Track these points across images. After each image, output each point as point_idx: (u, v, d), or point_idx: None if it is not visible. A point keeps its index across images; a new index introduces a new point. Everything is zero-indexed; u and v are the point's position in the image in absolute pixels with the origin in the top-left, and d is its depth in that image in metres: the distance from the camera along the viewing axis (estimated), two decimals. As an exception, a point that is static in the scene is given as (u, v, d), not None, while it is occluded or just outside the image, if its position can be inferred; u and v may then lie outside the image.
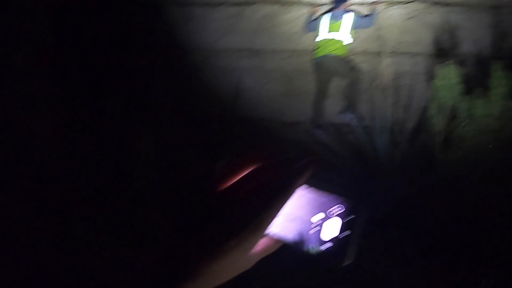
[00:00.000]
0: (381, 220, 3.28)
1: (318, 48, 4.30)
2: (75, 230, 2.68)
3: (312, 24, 4.31)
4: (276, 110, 4.65)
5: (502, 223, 2.74)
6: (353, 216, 0.47)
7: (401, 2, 4.27)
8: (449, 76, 3.03)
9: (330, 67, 4.30)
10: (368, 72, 4.40)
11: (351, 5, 4.31)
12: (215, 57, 4.72)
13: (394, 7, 4.28)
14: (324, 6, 4.39)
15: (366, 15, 4.24)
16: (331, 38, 4.22)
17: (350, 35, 4.23)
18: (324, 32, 4.23)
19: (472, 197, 2.82)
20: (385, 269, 3.00)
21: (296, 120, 4.62)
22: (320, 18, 4.25)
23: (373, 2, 4.27)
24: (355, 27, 4.20)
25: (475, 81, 3.95)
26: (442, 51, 4.17)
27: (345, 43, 4.26)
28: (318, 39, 4.29)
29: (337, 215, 0.47)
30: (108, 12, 4.57)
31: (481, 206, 2.77)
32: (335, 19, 4.18)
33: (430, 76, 4.12)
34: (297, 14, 4.51)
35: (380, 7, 4.23)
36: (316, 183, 0.49)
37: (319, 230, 0.47)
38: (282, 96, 4.64)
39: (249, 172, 0.48)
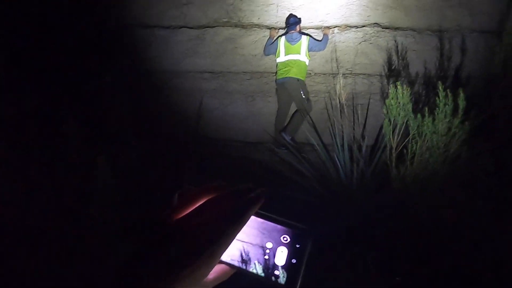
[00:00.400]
0: (343, 236, 3.36)
1: (279, 70, 4.43)
2: (26, 255, 2.57)
3: (271, 47, 4.44)
4: (239, 131, 4.71)
5: (453, 235, 2.88)
6: (299, 246, 0.50)
7: (355, 27, 4.49)
8: (400, 95, 3.19)
9: (291, 88, 4.44)
10: (326, 92, 4.57)
11: (306, 29, 4.50)
12: (178, 78, 4.74)
13: (349, 31, 4.50)
14: (282, 30, 4.54)
15: (319, 40, 4.42)
16: (290, 59, 4.37)
17: (307, 57, 4.41)
18: (283, 54, 4.38)
19: (424, 211, 2.96)
20: (348, 285, 3.06)
21: (259, 140, 4.69)
22: (279, 41, 4.38)
23: (324, 27, 4.47)
24: (310, 49, 4.38)
25: (424, 100, 4.20)
26: (394, 72, 4.41)
27: (304, 65, 4.43)
28: (278, 61, 4.43)
29: (284, 244, 0.51)
30: (70, 32, 4.51)
31: (433, 219, 2.91)
32: (293, 41, 4.34)
33: (384, 96, 4.34)
34: (258, 37, 4.64)
35: (327, 31, 4.42)
36: (266, 214, 0.53)
37: (269, 259, 0.50)
38: (245, 116, 4.71)
39: (204, 202, 0.50)
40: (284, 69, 4.39)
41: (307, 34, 4.42)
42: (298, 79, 4.42)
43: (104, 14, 4.64)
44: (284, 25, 4.52)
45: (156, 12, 4.65)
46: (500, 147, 2.98)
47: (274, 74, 4.63)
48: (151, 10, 4.64)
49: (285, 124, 4.59)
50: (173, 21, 4.68)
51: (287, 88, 4.43)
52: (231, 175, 4.18)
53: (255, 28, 4.65)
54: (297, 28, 4.36)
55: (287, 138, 4.51)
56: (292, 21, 4.35)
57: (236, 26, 4.67)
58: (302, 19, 4.49)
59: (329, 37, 4.43)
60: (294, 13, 4.48)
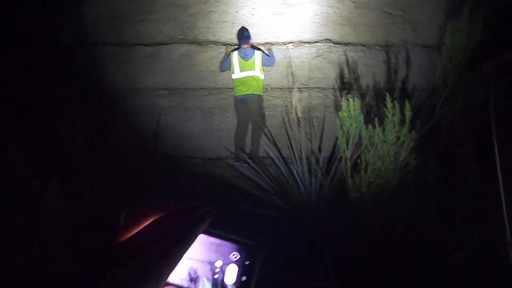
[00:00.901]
0: (304, 249, 3.40)
1: (237, 86, 4.47)
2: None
3: (226, 63, 4.48)
4: (197, 147, 4.68)
5: (407, 239, 3.00)
6: (249, 262, 0.50)
7: (308, 42, 4.65)
8: (352, 108, 3.31)
9: (253, 104, 4.50)
10: (283, 106, 4.66)
11: (258, 44, 4.60)
12: (134, 96, 4.66)
13: (302, 47, 4.64)
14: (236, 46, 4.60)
15: (268, 55, 4.52)
16: (247, 76, 4.43)
17: (262, 72, 4.49)
18: (238, 70, 4.44)
19: (379, 219, 3.06)
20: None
21: (218, 155, 4.68)
22: (232, 57, 4.43)
23: (266, 43, 4.59)
24: (263, 65, 4.47)
25: (374, 111, 4.39)
26: (346, 85, 4.59)
27: (261, 80, 4.51)
28: (234, 77, 4.48)
29: (234, 262, 0.51)
30: (22, 51, 4.33)
31: (388, 225, 3.02)
32: (247, 57, 4.41)
33: (338, 108, 4.49)
34: (214, 53, 4.67)
35: (269, 46, 4.55)
36: (215, 231, 0.52)
37: (219, 277, 0.50)
38: (203, 132, 4.69)
39: (150, 222, 0.49)
40: (242, 86, 4.44)
41: (258, 49, 4.52)
42: (259, 95, 4.51)
43: (54, 32, 4.50)
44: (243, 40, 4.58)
45: (109, 30, 4.58)
46: (443, 153, 3.16)
47: (232, 90, 4.67)
48: (104, 27, 4.56)
49: (244, 140, 4.63)
50: (127, 38, 4.62)
51: (249, 104, 4.49)
52: (189, 192, 4.14)
53: (211, 45, 4.69)
54: (249, 43, 4.45)
55: (256, 160, 4.57)
56: (244, 35, 4.43)
57: (192, 43, 4.69)
58: (257, 36, 4.59)
59: (274, 51, 4.55)
60: (249, 30, 4.57)
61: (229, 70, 4.51)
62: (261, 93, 4.53)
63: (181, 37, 4.66)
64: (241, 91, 4.45)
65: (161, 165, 4.48)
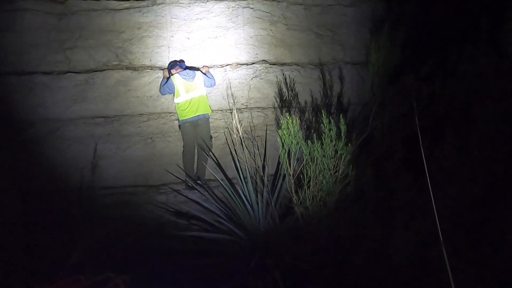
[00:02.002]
0: (254, 268, 3.38)
1: (183, 109, 4.39)
2: None
3: (166, 86, 4.40)
4: (139, 175, 4.51)
5: (352, 248, 3.10)
6: None
7: (245, 64, 4.75)
8: (291, 125, 3.40)
9: (203, 125, 4.46)
10: (225, 128, 4.68)
11: (197, 67, 4.63)
12: (66, 127, 4.41)
13: (240, 68, 4.73)
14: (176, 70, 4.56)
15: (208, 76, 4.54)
16: (194, 97, 4.38)
17: (205, 94, 4.49)
18: (184, 92, 4.37)
19: (324, 231, 3.15)
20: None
21: (162, 181, 4.55)
22: (173, 80, 4.37)
23: (204, 66, 4.64)
24: (204, 85, 4.48)
25: (312, 127, 4.57)
26: (284, 103, 4.73)
27: (207, 99, 4.50)
28: (179, 100, 4.40)
29: None
30: None
31: (333, 237, 3.11)
32: (190, 78, 4.36)
33: (278, 126, 4.60)
34: (151, 78, 4.59)
35: (206, 69, 4.60)
36: None
37: None
38: (145, 159, 4.55)
39: None
40: (190, 108, 4.36)
41: (197, 69, 4.53)
42: (208, 115, 4.49)
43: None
44: (184, 61, 4.57)
45: (34, 58, 4.33)
46: (377, 162, 3.35)
47: (172, 113, 4.60)
48: (28, 55, 4.32)
49: (193, 164, 4.56)
50: (56, 66, 4.40)
51: (200, 125, 4.44)
52: (132, 224, 3.97)
53: (148, 70, 4.62)
54: (180, 67, 4.44)
55: (203, 182, 4.51)
56: (174, 63, 4.45)
57: (127, 68, 4.58)
58: (194, 60, 4.62)
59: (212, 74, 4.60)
60: (186, 54, 4.58)
61: (171, 93, 4.43)
62: (210, 112, 4.52)
63: (115, 63, 4.54)
64: (189, 113, 4.37)
65: (99, 199, 4.25)
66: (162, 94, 4.51)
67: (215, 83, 4.54)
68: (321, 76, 4.84)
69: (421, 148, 2.98)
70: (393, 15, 4.72)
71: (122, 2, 4.51)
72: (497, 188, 2.81)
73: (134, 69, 4.59)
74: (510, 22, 2.94)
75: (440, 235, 2.38)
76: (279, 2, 4.77)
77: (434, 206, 2.58)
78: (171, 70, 4.41)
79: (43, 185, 4.16)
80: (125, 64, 4.57)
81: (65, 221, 3.78)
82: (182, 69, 4.41)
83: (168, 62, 4.53)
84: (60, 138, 4.34)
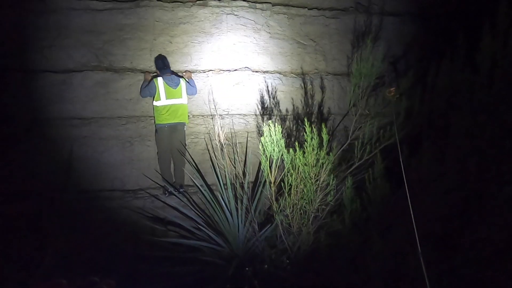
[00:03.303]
0: (231, 275, 3.34)
1: (161, 114, 4.33)
2: None
3: (148, 89, 4.33)
4: (116, 178, 4.41)
5: (331, 258, 3.13)
6: None
7: (228, 70, 4.75)
8: (273, 133, 3.41)
9: (179, 132, 4.41)
10: (206, 133, 4.65)
11: (180, 72, 4.58)
12: (42, 127, 4.26)
13: (222, 74, 4.72)
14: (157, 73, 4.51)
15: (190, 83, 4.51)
16: (174, 104, 4.33)
17: (186, 103, 4.46)
18: (164, 97, 4.31)
19: (303, 239, 3.16)
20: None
21: (139, 186, 4.46)
22: (156, 83, 4.31)
23: (186, 71, 4.60)
24: (187, 93, 4.44)
25: (294, 136, 4.60)
26: (266, 111, 4.75)
27: (187, 108, 4.46)
28: (158, 104, 4.33)
29: None
30: None
31: (312, 246, 3.12)
32: (174, 85, 4.32)
33: (260, 133, 4.62)
34: (132, 81, 4.51)
35: (189, 75, 4.57)
36: None
37: None
38: (122, 163, 4.45)
39: None
40: (168, 114, 4.31)
41: (181, 77, 4.50)
42: (184, 124, 4.45)
43: None
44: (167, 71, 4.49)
45: (10, 54, 4.19)
46: (356, 172, 3.40)
47: (152, 117, 4.53)
48: (4, 51, 4.16)
49: (170, 170, 4.50)
50: (33, 65, 4.26)
51: (175, 132, 4.39)
52: (108, 229, 3.86)
53: (129, 72, 4.53)
54: (171, 71, 4.40)
55: (181, 187, 4.45)
56: (165, 65, 4.37)
57: (107, 70, 4.49)
58: (176, 64, 4.57)
59: (194, 79, 4.57)
60: (168, 57, 4.52)
61: (151, 96, 4.37)
62: (187, 122, 4.49)
63: (94, 64, 4.45)
64: (167, 119, 4.32)
65: (74, 203, 4.11)
66: (143, 97, 4.43)
67: (196, 91, 4.52)
68: (303, 85, 4.90)
69: (400, 159, 3.05)
70: (374, 29, 4.85)
71: (104, 2, 4.42)
72: (472, 199, 2.91)
73: (115, 71, 4.50)
74: (484, 40, 3.06)
75: (418, 244, 2.43)
76: (263, 10, 4.81)
77: (412, 216, 2.64)
78: (161, 71, 4.36)
79: (15, 186, 4.00)
80: (105, 65, 4.48)
81: (37, 225, 3.63)
82: (169, 75, 4.36)
83: (156, 58, 4.46)
84: (34, 139, 4.19)
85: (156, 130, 4.44)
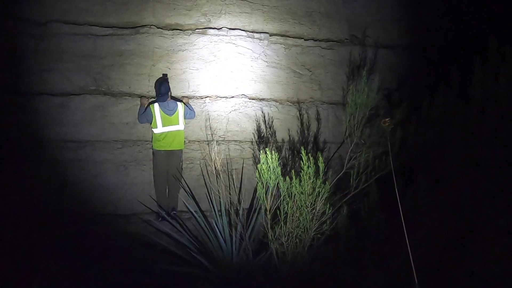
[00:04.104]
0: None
1: (158, 141, 4.32)
2: None
3: (145, 115, 4.33)
4: (108, 203, 4.36)
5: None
6: None
7: (224, 97, 4.81)
8: (270, 160, 3.42)
9: (174, 159, 4.41)
10: (201, 159, 4.65)
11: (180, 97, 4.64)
12: (37, 149, 4.24)
13: (219, 101, 4.78)
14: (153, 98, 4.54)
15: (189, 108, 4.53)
16: (170, 131, 4.33)
17: (184, 125, 4.47)
18: (160, 125, 4.32)
19: (298, 269, 3.12)
20: None
21: (132, 211, 4.41)
22: (152, 110, 4.32)
23: (183, 97, 4.64)
24: (185, 117, 4.46)
25: (291, 163, 4.62)
26: (262, 138, 4.79)
27: (183, 134, 4.46)
28: (155, 131, 4.34)
29: None
30: None
31: (307, 276, 3.08)
32: (170, 112, 4.32)
33: (256, 160, 4.63)
34: (129, 105, 4.54)
35: (187, 100, 4.60)
36: None
37: None
38: (116, 187, 4.41)
39: None
40: (164, 141, 4.30)
41: (180, 100, 4.51)
42: (181, 150, 4.45)
43: None
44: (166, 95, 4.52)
45: (8, 77, 4.21)
46: (352, 202, 3.41)
47: (148, 142, 4.54)
48: (2, 74, 4.19)
49: (165, 194, 4.47)
50: (30, 87, 4.28)
51: (172, 156, 4.39)
52: (98, 255, 3.77)
53: (126, 97, 4.57)
54: (169, 96, 4.42)
55: (175, 213, 4.41)
56: (164, 91, 4.31)
57: (105, 94, 4.52)
58: (174, 89, 4.61)
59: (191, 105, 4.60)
60: (167, 82, 4.58)
61: (149, 123, 4.37)
62: (183, 148, 4.49)
63: (93, 88, 4.48)
64: (163, 146, 4.32)
65: (65, 225, 4.04)
66: (140, 123, 4.44)
67: (195, 115, 4.55)
68: (298, 113, 4.97)
69: (395, 188, 3.07)
70: (368, 60, 4.99)
71: (105, 28, 4.51)
72: (467, 230, 2.92)
73: (112, 95, 4.53)
74: (476, 75, 3.17)
75: (414, 274, 2.42)
76: (261, 40, 4.93)
77: (408, 246, 2.64)
78: (158, 98, 4.33)
79: (7, 208, 3.92)
80: (103, 89, 4.51)
81: (28, 247, 3.55)
82: (169, 100, 4.38)
83: (159, 81, 4.42)
84: (30, 161, 4.15)
85: (153, 154, 4.43)
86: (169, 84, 4.45)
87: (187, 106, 4.48)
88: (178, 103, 4.43)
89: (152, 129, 4.36)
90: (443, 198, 3.06)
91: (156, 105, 4.32)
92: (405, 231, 2.72)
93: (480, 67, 3.14)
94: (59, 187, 4.16)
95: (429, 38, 5.26)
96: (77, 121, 4.39)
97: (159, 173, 4.41)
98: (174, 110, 4.36)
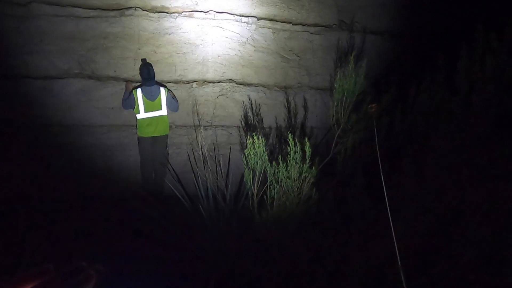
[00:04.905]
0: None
1: (142, 126, 4.27)
2: None
3: (128, 101, 4.26)
4: (94, 188, 4.32)
5: (311, 271, 3.13)
6: None
7: (212, 82, 4.76)
8: (257, 145, 3.43)
9: (159, 145, 4.37)
10: (188, 144, 4.62)
11: (165, 82, 4.57)
12: (20, 133, 4.15)
13: (206, 85, 4.73)
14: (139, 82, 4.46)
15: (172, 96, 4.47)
16: (153, 116, 4.28)
17: (166, 114, 4.41)
18: (143, 111, 4.26)
19: (285, 253, 3.16)
20: None
21: (118, 196, 4.37)
22: (135, 95, 4.25)
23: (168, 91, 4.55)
24: (167, 106, 4.40)
25: (277, 149, 4.63)
26: (250, 123, 4.78)
27: (167, 118, 4.42)
28: (139, 117, 4.28)
29: None
30: None
31: (294, 259, 3.12)
32: (152, 97, 4.27)
33: (243, 146, 4.62)
34: (115, 89, 4.47)
35: (172, 93, 4.53)
36: None
37: None
38: (102, 172, 4.37)
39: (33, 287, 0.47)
40: (148, 127, 4.27)
41: (164, 86, 4.45)
42: (166, 135, 4.41)
43: None
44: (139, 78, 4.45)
45: (-10, 60, 4.09)
46: (338, 186, 3.45)
47: (134, 127, 4.48)
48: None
49: (152, 179, 4.44)
50: (12, 70, 4.16)
51: (157, 142, 4.36)
52: (85, 240, 3.75)
53: (112, 81, 4.48)
54: (154, 82, 4.33)
55: (161, 196, 4.39)
56: (152, 74, 4.26)
57: (89, 78, 4.42)
58: (160, 73, 4.54)
59: (178, 89, 4.54)
60: (153, 67, 4.50)
61: (132, 108, 4.31)
62: (168, 133, 4.45)
63: (77, 71, 4.38)
64: (147, 132, 4.28)
65: (50, 213, 3.99)
66: (125, 109, 4.37)
67: (177, 108, 4.47)
68: (286, 99, 4.95)
69: (381, 174, 3.11)
70: (356, 46, 4.98)
71: (89, 10, 4.38)
72: (451, 215, 2.98)
73: (97, 79, 4.44)
74: (462, 61, 3.19)
75: (398, 258, 2.47)
76: (249, 24, 4.86)
77: (392, 230, 2.68)
78: (145, 82, 4.26)
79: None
80: (87, 73, 4.42)
81: (13, 234, 3.51)
82: (152, 84, 4.30)
83: (142, 66, 4.33)
84: (13, 144, 4.07)
85: (138, 140, 4.39)
86: (154, 70, 4.36)
87: (171, 96, 4.41)
88: (161, 88, 4.37)
89: (136, 115, 4.30)
90: (427, 184, 3.12)
91: (139, 90, 4.26)
92: (389, 215, 2.77)
93: (467, 54, 3.16)
94: (44, 171, 4.10)
95: (417, 24, 5.26)
96: (61, 105, 4.31)
97: (145, 159, 4.38)
98: (156, 95, 4.30)
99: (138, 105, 4.24)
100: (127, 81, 4.45)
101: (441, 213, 2.97)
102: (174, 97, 4.45)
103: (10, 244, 3.44)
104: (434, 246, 2.90)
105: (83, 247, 3.71)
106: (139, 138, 4.35)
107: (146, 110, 4.26)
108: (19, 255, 3.11)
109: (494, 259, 2.60)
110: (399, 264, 2.42)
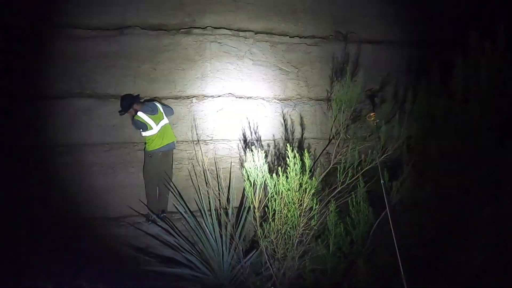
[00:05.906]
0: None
1: (153, 140, 4.30)
2: None
3: (140, 125, 4.27)
4: (98, 206, 4.33)
5: (316, 283, 3.11)
6: None
7: (211, 96, 4.79)
8: (257, 158, 3.43)
9: (170, 153, 4.42)
10: (189, 159, 4.64)
11: (165, 99, 4.60)
12: (22, 154, 4.18)
13: (206, 100, 4.76)
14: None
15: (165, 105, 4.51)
16: (161, 126, 4.32)
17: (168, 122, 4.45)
18: (155, 125, 4.27)
19: (288, 265, 3.15)
20: None
21: (121, 214, 4.38)
22: (139, 119, 4.24)
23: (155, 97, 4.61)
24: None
25: (278, 161, 4.63)
26: (250, 137, 4.79)
27: (170, 129, 4.45)
28: (152, 133, 4.29)
29: None
30: None
31: (297, 272, 3.11)
32: (154, 111, 4.29)
33: (243, 159, 4.63)
34: (115, 107, 4.49)
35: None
36: None
37: None
38: (105, 190, 4.38)
39: None
40: (159, 138, 4.29)
41: (154, 100, 4.50)
42: (174, 145, 4.46)
43: None
44: (140, 96, 4.48)
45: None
46: (339, 197, 3.44)
47: (136, 144, 4.51)
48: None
49: (156, 196, 4.45)
50: (15, 91, 4.22)
51: (166, 157, 4.41)
52: (89, 259, 3.75)
53: (112, 99, 4.52)
54: (135, 106, 4.30)
55: (165, 215, 4.39)
56: (127, 104, 4.28)
57: (90, 96, 4.48)
58: (160, 90, 4.59)
59: (178, 106, 4.61)
60: (152, 84, 4.54)
61: (147, 129, 4.28)
62: (175, 139, 4.50)
63: (78, 90, 4.44)
64: (160, 143, 4.30)
65: (52, 233, 4.00)
66: (137, 129, 4.37)
67: (173, 111, 4.52)
68: (285, 110, 4.98)
69: (382, 182, 3.11)
70: (353, 56, 5.02)
71: (89, 30, 4.46)
72: (453, 221, 2.97)
73: (98, 97, 4.49)
74: (457, 67, 3.21)
75: (401, 267, 2.45)
76: (246, 38, 4.92)
77: (394, 239, 2.67)
78: (134, 105, 4.29)
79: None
80: (88, 92, 4.47)
81: (16, 252, 3.52)
82: (142, 104, 4.33)
83: (122, 99, 4.36)
84: (15, 166, 4.10)
85: (147, 156, 4.37)
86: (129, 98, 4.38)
87: (163, 105, 4.47)
88: (154, 102, 4.41)
89: (145, 134, 4.30)
90: (428, 190, 3.11)
91: (140, 113, 4.25)
92: (391, 224, 2.76)
93: (462, 61, 3.18)
94: (46, 192, 4.12)
95: (413, 33, 5.31)
96: (62, 125, 4.35)
97: (151, 176, 4.39)
98: (155, 108, 4.32)
99: (149, 124, 4.25)
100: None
101: (442, 220, 2.95)
102: (164, 104, 4.51)
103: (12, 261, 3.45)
104: (438, 252, 2.88)
105: (84, 266, 3.71)
106: (152, 153, 4.32)
107: (157, 124, 4.30)
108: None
109: (498, 266, 2.58)
110: (402, 272, 2.41)
